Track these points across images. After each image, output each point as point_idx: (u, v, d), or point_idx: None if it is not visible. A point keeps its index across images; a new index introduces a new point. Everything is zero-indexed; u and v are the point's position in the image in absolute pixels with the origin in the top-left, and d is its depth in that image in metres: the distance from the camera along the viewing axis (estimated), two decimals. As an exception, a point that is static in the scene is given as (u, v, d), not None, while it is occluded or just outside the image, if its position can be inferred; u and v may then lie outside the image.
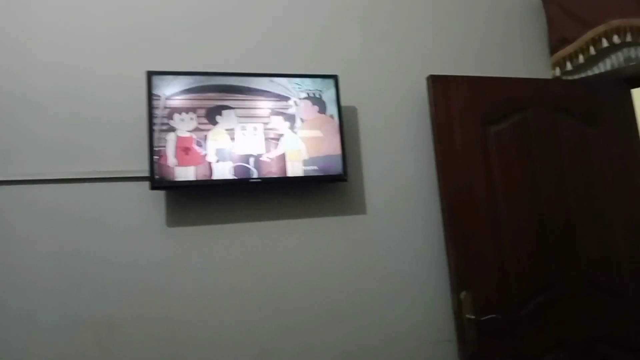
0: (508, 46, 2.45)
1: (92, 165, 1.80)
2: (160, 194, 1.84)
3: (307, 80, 1.97)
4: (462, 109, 2.09)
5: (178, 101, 1.80)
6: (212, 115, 1.83)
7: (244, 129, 1.86)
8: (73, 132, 1.80)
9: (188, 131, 1.79)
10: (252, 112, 1.88)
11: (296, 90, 1.95)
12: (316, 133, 1.95)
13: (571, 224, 2.17)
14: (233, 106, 1.86)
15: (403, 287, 2.07)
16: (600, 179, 2.26)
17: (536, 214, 2.12)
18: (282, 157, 1.89)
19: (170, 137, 1.77)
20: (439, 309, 2.08)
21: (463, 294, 1.93)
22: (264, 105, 1.90)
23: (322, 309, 1.95)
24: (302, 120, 1.94)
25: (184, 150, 1.78)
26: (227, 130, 1.84)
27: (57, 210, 1.74)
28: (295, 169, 1.90)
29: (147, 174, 1.75)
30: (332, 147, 1.96)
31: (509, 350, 1.96)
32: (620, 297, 2.18)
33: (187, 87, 1.82)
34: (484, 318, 1.91)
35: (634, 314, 2.17)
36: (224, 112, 1.84)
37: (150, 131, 1.75)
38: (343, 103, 2.03)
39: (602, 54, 2.27)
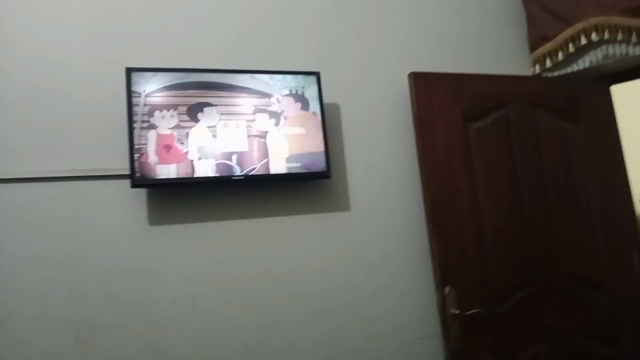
0: (489, 43, 2.47)
1: (71, 164, 1.77)
2: (142, 192, 1.82)
3: (289, 77, 1.97)
4: (443, 105, 2.10)
5: (158, 98, 1.78)
6: (193, 112, 1.81)
7: (225, 126, 1.85)
8: (51, 130, 1.77)
9: (169, 128, 1.77)
10: (234, 109, 1.87)
11: (278, 87, 1.94)
12: (299, 130, 1.95)
13: (551, 218, 2.19)
14: (214, 103, 1.84)
15: (387, 284, 2.07)
16: (579, 173, 2.29)
17: (517, 209, 2.15)
18: (265, 155, 1.88)
19: (151, 135, 1.75)
20: (423, 305, 2.09)
21: (447, 289, 1.94)
22: (246, 102, 1.89)
23: (306, 306, 1.95)
24: (285, 117, 1.93)
25: (165, 148, 1.76)
26: (209, 127, 1.82)
27: (36, 210, 1.71)
28: (278, 167, 1.89)
29: (127, 172, 1.73)
30: (315, 144, 1.96)
31: (492, 344, 1.98)
32: (601, 290, 2.21)
33: (167, 84, 1.80)
34: (468, 313, 1.93)
35: (614, 307, 2.21)
36: (206, 109, 1.83)
37: (131, 129, 1.73)
38: (325, 100, 2.03)
39: (581, 51, 2.31)
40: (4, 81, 1.75)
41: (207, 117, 1.82)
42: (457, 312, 1.92)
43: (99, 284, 1.73)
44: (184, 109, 1.80)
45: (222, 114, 1.85)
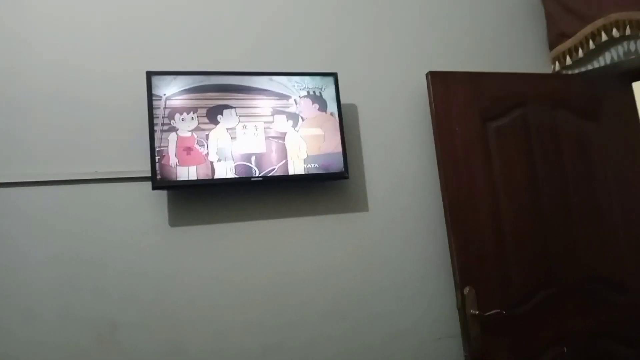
0: (507, 41, 2.45)
1: (93, 166, 1.80)
2: (163, 194, 1.84)
3: (307, 78, 1.98)
4: (462, 105, 2.09)
5: (178, 101, 1.80)
6: (213, 114, 1.83)
7: (245, 127, 1.86)
8: (73, 133, 1.80)
9: (189, 131, 1.79)
10: (252, 110, 1.88)
11: (296, 88, 1.95)
12: (317, 131, 1.95)
13: (572, 218, 2.17)
14: (234, 105, 1.86)
15: (406, 284, 2.07)
16: (600, 173, 2.26)
17: (537, 209, 2.12)
18: (284, 156, 1.89)
19: (172, 137, 1.77)
20: (442, 305, 2.08)
21: (466, 290, 1.93)
22: (264, 104, 1.90)
23: (325, 306, 1.96)
24: (302, 118, 1.94)
25: (186, 150, 1.78)
26: (228, 129, 1.84)
27: (58, 212, 1.75)
28: (296, 168, 1.90)
29: (148, 174, 1.75)
30: (333, 145, 1.96)
31: (512, 346, 1.96)
32: (622, 291, 2.18)
33: (187, 87, 1.82)
34: (488, 313, 1.91)
35: (636, 308, 2.18)
36: (225, 111, 1.84)
37: (152, 131, 1.75)
38: (343, 101, 2.03)
39: (602, 47, 2.27)
40: (26, 86, 1.79)
41: (227, 119, 1.84)
42: (477, 312, 1.91)
43: (120, 285, 1.76)
44: (204, 111, 1.82)
45: (241, 115, 1.86)
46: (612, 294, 2.17)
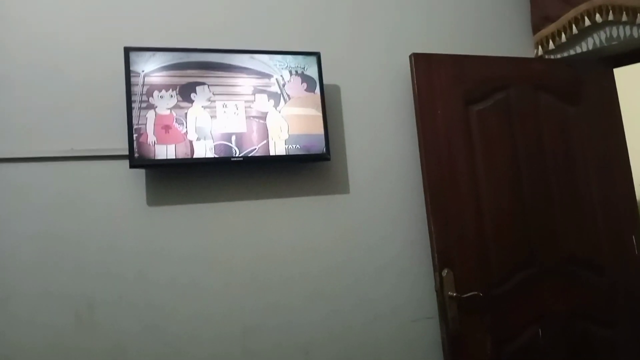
0: (491, 24, 2.44)
1: (70, 144, 1.76)
2: (141, 173, 1.82)
3: (289, 57, 1.95)
4: (444, 87, 2.09)
5: (157, 78, 1.77)
6: (186, 92, 1.79)
7: (225, 106, 1.84)
8: (50, 109, 1.77)
9: (168, 109, 1.77)
10: (233, 89, 1.86)
11: (278, 67, 1.93)
12: (299, 111, 1.94)
13: (552, 201, 2.19)
14: (212, 83, 1.83)
15: (386, 266, 2.08)
16: (580, 157, 2.27)
17: (517, 192, 2.14)
18: (265, 136, 1.87)
19: (150, 115, 1.74)
20: (421, 287, 2.09)
21: (445, 272, 1.94)
22: (245, 83, 1.87)
23: (305, 287, 1.96)
24: (288, 97, 1.92)
25: (164, 128, 1.75)
26: (204, 107, 1.81)
27: (35, 189, 1.72)
28: (277, 148, 1.89)
29: (126, 152, 1.72)
30: (315, 126, 1.95)
31: (489, 327, 1.98)
32: (600, 273, 2.21)
33: (166, 64, 1.79)
34: (466, 295, 1.93)
35: (613, 290, 2.21)
36: (198, 88, 1.81)
37: (129, 109, 1.72)
38: (326, 81, 2.02)
39: (585, 33, 2.28)
40: (2, 62, 1.74)
41: (200, 97, 1.81)
42: (455, 294, 1.92)
43: (98, 263, 1.74)
44: (182, 88, 1.79)
45: (220, 94, 1.83)
46: (590, 276, 2.20)
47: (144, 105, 1.74)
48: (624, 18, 2.11)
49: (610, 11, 2.14)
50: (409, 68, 2.08)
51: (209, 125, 1.80)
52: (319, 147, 1.94)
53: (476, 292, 1.94)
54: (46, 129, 1.76)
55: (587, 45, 2.31)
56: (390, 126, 2.18)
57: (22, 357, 1.63)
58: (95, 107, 1.81)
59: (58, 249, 1.71)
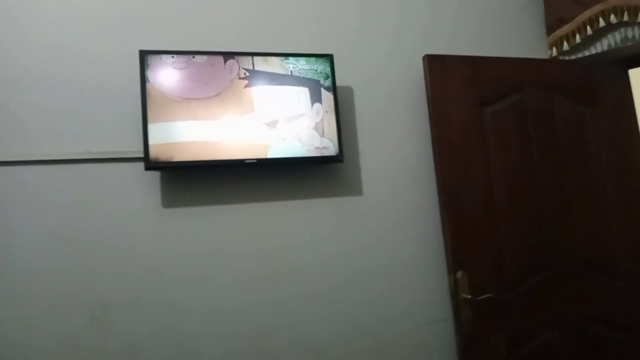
0: (505, 26, 2.43)
1: (85, 146, 1.78)
2: (156, 175, 1.83)
3: (302, 60, 1.95)
4: (458, 89, 2.08)
5: (172, 81, 1.78)
6: (206, 95, 1.81)
7: (239, 109, 1.84)
8: (66, 112, 1.78)
9: (182, 111, 1.77)
10: (247, 92, 1.86)
11: (290, 70, 1.93)
12: (313, 114, 1.93)
13: (566, 204, 2.17)
14: (228, 85, 1.84)
15: (399, 267, 2.07)
16: (595, 159, 2.25)
17: (532, 194, 2.12)
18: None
19: (165, 117, 1.75)
20: (434, 289, 2.08)
21: (459, 274, 1.93)
22: (259, 85, 1.88)
23: (319, 289, 1.96)
24: (299, 100, 1.92)
25: (179, 131, 1.76)
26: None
27: (51, 191, 1.73)
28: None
29: (141, 155, 1.73)
30: (328, 128, 1.95)
31: (504, 330, 1.97)
32: (614, 276, 2.19)
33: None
34: (480, 298, 1.92)
35: (628, 293, 2.19)
36: (219, 91, 1.82)
37: (144, 111, 1.73)
38: (338, 83, 2.02)
39: (599, 34, 2.26)
40: (18, 64, 1.76)
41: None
42: (469, 296, 1.91)
43: (113, 264, 1.75)
44: (197, 91, 1.80)
45: (235, 96, 1.84)
46: (604, 279, 2.18)
47: (159, 107, 1.75)
48: (639, 19, 2.09)
49: (625, 12, 2.12)
50: (422, 69, 2.08)
51: (223, 128, 1.81)
52: (332, 149, 1.94)
53: (491, 295, 1.93)
54: (62, 131, 1.77)
55: (601, 46, 2.29)
56: (403, 127, 2.18)
57: (38, 358, 1.65)
58: (111, 110, 1.82)
59: (73, 250, 1.72)
